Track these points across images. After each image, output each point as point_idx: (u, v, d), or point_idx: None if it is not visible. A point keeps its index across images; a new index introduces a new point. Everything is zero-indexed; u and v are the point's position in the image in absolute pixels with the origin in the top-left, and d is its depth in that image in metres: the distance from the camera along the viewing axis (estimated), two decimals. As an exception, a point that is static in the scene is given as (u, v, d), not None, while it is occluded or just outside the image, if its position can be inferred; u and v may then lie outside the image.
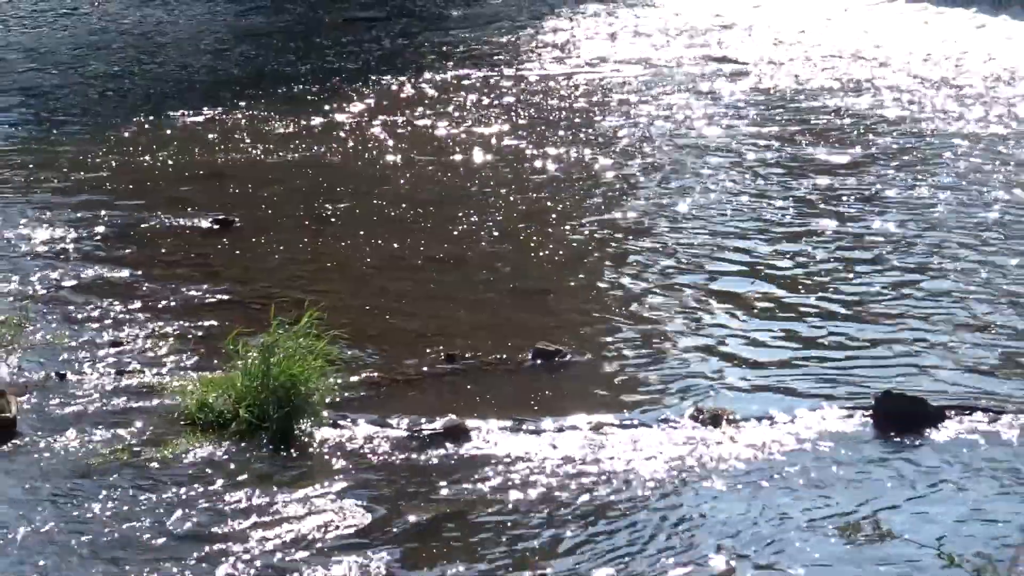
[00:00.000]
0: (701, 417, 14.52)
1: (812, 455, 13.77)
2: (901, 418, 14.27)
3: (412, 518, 12.83)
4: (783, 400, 14.99)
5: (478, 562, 12.17)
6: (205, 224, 20.69)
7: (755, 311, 17.46)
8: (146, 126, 25.10)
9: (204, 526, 12.73)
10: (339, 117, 25.46)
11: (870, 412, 14.42)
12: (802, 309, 17.42)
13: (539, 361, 15.98)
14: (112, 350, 16.44)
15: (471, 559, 12.22)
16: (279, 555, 12.26)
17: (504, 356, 16.13)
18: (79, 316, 17.44)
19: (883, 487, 13.18)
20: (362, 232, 20.23)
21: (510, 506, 13.04)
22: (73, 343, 16.67)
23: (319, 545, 12.41)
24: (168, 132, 24.85)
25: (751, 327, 17.01)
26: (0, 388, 15.13)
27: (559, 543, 12.45)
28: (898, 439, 14.07)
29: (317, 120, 25.32)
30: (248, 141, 24.51)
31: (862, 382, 15.30)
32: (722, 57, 28.71)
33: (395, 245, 19.78)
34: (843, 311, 17.35)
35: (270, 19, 34.72)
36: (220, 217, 20.87)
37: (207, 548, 12.38)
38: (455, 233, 20.10)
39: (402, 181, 22.27)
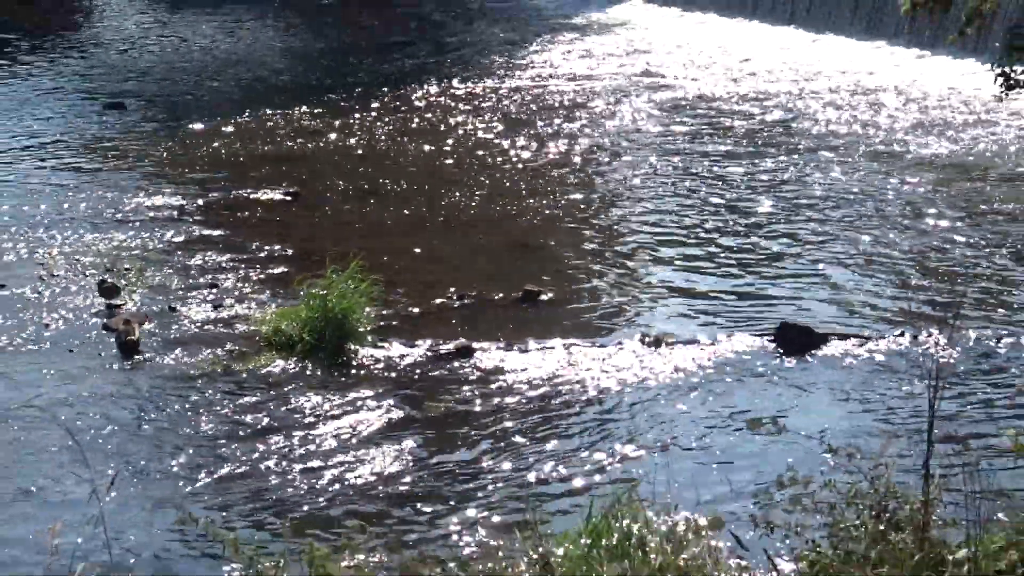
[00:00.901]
0: (646, 341, 14.64)
1: (728, 370, 13.97)
2: (794, 342, 14.38)
3: (431, 413, 13.15)
4: (707, 328, 15.10)
5: (479, 443, 12.49)
6: (278, 196, 20.71)
7: (687, 262, 17.44)
8: (231, 123, 25.00)
9: (277, 420, 13.04)
10: (372, 117, 25.38)
11: (772, 338, 14.55)
12: (721, 261, 17.45)
13: (526, 300, 16.08)
14: (210, 290, 16.58)
15: (474, 442, 12.54)
16: (333, 441, 12.56)
17: (500, 295, 16.24)
18: (185, 264, 17.56)
19: (781, 394, 13.43)
20: (393, 203, 20.29)
21: (504, 404, 13.32)
22: (181, 284, 16.81)
23: (363, 433, 12.72)
24: (248, 127, 24.78)
25: (684, 274, 17.07)
26: (127, 317, 15.37)
27: (539, 429, 12.76)
28: (792, 358, 14.19)
29: (356, 119, 25.21)
30: (306, 134, 24.47)
31: (766, 315, 15.40)
32: (655, 73, 28.59)
33: (418, 213, 19.90)
34: (752, 262, 17.41)
35: (318, 43, 34.38)
36: (290, 191, 20.90)
37: (279, 436, 12.70)
38: (462, 204, 20.13)
39: (422, 165, 22.25)
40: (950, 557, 6.62)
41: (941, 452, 7.54)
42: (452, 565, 8.85)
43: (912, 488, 7.32)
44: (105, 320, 15.48)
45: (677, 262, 17.60)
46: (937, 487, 7.11)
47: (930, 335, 14.49)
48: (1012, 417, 12.43)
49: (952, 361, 13.66)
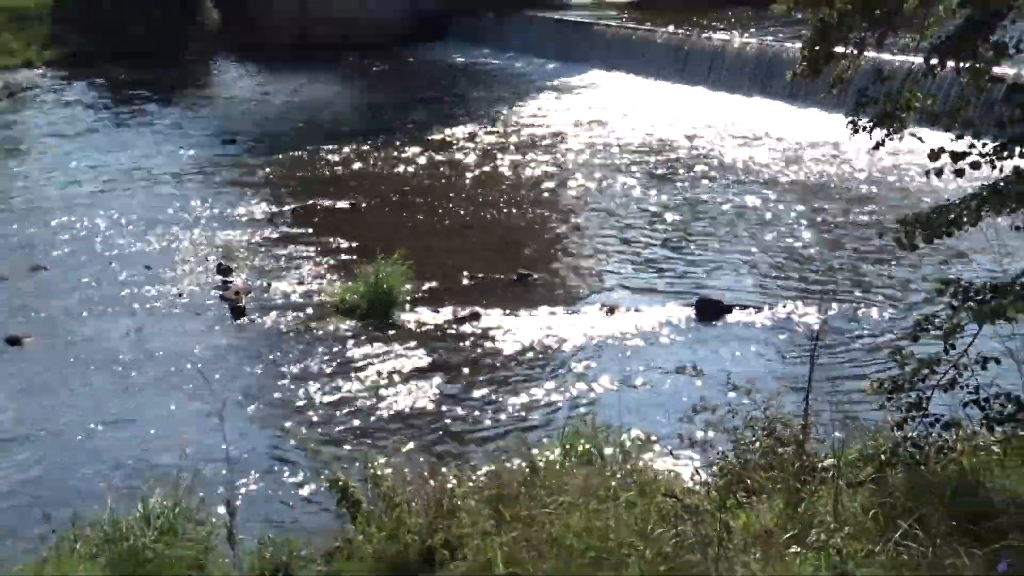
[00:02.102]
0: (605, 309, 14.68)
1: (661, 330, 13.96)
2: (709, 311, 14.38)
3: (451, 360, 13.17)
4: (649, 300, 15.09)
5: (485, 381, 12.52)
6: (343, 205, 20.66)
7: (634, 254, 17.40)
8: (309, 153, 25.07)
9: (342, 364, 13.08)
10: (408, 150, 25.44)
11: (693, 307, 14.55)
12: (658, 254, 17.41)
13: (519, 280, 16.05)
14: (295, 271, 16.59)
15: (482, 381, 12.57)
16: (381, 379, 12.61)
17: (500, 276, 16.21)
18: (277, 253, 17.52)
19: (698, 349, 13.42)
20: (423, 211, 20.26)
21: (503, 354, 13.35)
22: (274, 267, 16.79)
23: (402, 374, 12.76)
24: (321, 156, 24.82)
25: (631, 262, 17.02)
26: (237, 290, 15.38)
27: (527, 372, 12.80)
28: (707, 323, 14.20)
29: (396, 151, 25.28)
30: (361, 162, 24.50)
31: (689, 292, 15.32)
32: (612, 120, 28.66)
33: (441, 218, 19.86)
34: (679, 255, 17.29)
35: (371, 97, 34.41)
36: (351, 202, 20.83)
37: (344, 375, 12.75)
38: (473, 212, 20.10)
39: (443, 184, 22.28)
40: (820, 465, 6.64)
41: (817, 391, 7.55)
42: (465, 466, 8.92)
43: (794, 416, 7.34)
44: (221, 292, 15.50)
45: (627, 254, 17.53)
46: (812, 415, 7.14)
47: (808, 306, 14.53)
48: (868, 366, 12.43)
49: (826, 326, 13.71)
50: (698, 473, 7.43)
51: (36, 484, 10.33)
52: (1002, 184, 6.23)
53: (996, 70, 6.93)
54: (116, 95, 34.26)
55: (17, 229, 19.10)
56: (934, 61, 6.82)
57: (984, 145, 6.36)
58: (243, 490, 9.87)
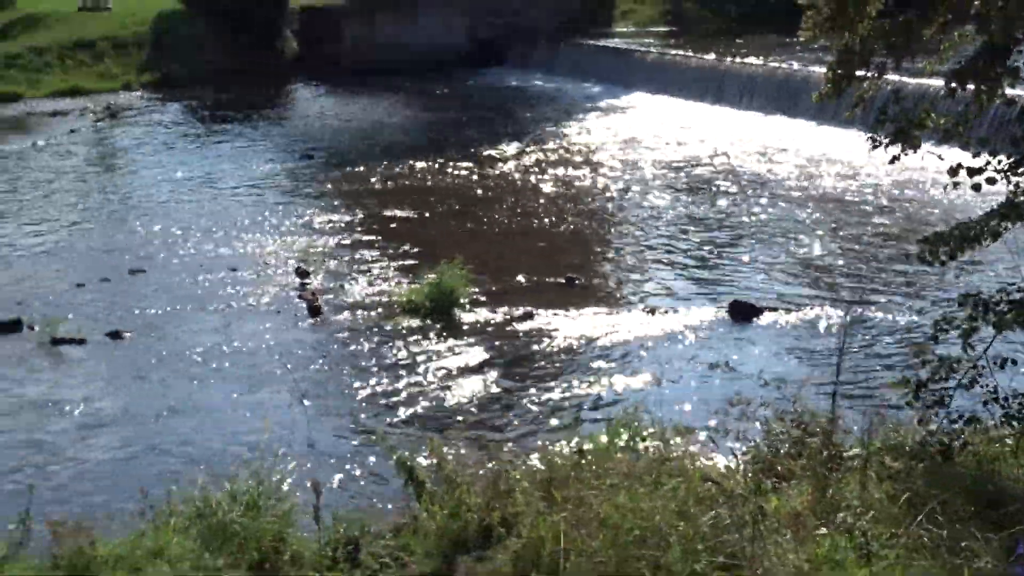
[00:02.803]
0: (646, 310, 14.64)
1: (697, 330, 13.89)
2: (741, 313, 14.30)
3: (506, 355, 13.18)
4: (686, 302, 15.02)
5: (537, 375, 12.51)
6: (410, 214, 20.73)
7: (672, 259, 17.35)
8: (378, 167, 25.17)
9: (409, 358, 13.12)
10: (467, 165, 25.48)
11: (726, 309, 14.47)
12: (694, 260, 17.35)
13: (568, 283, 16.02)
14: (366, 274, 16.62)
15: (534, 375, 12.57)
16: (441, 372, 12.64)
17: (550, 280, 16.20)
18: (349, 257, 17.59)
19: (732, 347, 13.33)
20: (482, 220, 20.33)
21: (553, 351, 13.34)
22: (347, 270, 16.86)
23: (462, 367, 12.79)
24: (389, 170, 24.93)
25: (670, 267, 16.97)
26: (313, 290, 15.48)
27: (576, 367, 12.79)
28: (740, 324, 14.11)
29: (464, 166, 25.30)
30: (428, 175, 24.57)
31: (723, 294, 15.25)
32: (651, 137, 28.57)
33: (497, 226, 19.89)
34: (715, 261, 17.26)
35: (434, 117, 34.48)
36: (416, 211, 20.86)
37: (410, 368, 12.78)
38: (527, 222, 20.11)
39: (498, 196, 22.30)
40: (846, 454, 6.60)
41: (843, 386, 7.49)
42: (519, 451, 8.91)
43: (822, 409, 7.28)
44: (299, 293, 15.60)
45: (665, 260, 17.45)
46: (839, 409, 7.09)
47: (834, 309, 14.39)
48: (891, 364, 12.30)
49: (851, 327, 13.58)
50: (734, 461, 7.38)
51: (135, 463, 10.47)
52: (1021, 199, 6.16)
53: (1009, 92, 6.86)
54: (205, 114, 34.62)
55: (118, 235, 19.36)
56: (954, 84, 6.76)
57: (999, 162, 6.30)
58: (319, 471, 9.92)
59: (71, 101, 37.22)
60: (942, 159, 6.91)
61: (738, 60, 34.30)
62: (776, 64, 32.66)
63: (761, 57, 34.32)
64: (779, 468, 6.82)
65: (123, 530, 7.56)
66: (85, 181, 24.63)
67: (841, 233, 18.61)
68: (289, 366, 12.67)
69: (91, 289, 16.03)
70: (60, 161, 26.98)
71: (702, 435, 9.21)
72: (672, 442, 8.08)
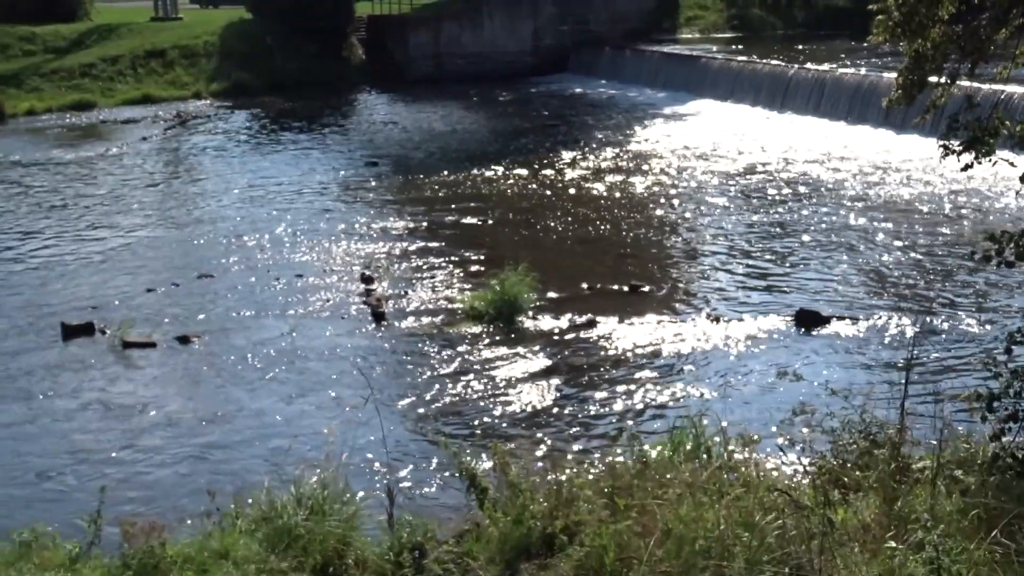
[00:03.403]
0: (710, 318, 14.52)
1: (763, 339, 13.73)
2: (807, 321, 14.13)
3: (570, 363, 13.14)
4: (751, 310, 14.87)
5: (601, 383, 12.45)
6: (474, 221, 20.83)
7: (737, 267, 17.16)
8: (443, 174, 25.32)
9: (471, 364, 13.13)
10: (531, 171, 25.48)
11: (792, 318, 14.32)
12: (759, 267, 17.15)
13: (631, 290, 15.94)
14: (429, 280, 16.68)
15: (597, 382, 12.52)
16: (504, 379, 12.64)
17: (614, 287, 16.12)
18: (414, 263, 17.66)
19: (798, 356, 13.16)
20: (546, 226, 20.31)
21: (617, 358, 13.28)
22: (411, 276, 16.92)
23: (526, 374, 12.77)
24: (453, 177, 25.03)
25: (735, 275, 16.77)
26: (378, 296, 15.57)
27: (640, 375, 12.69)
28: (807, 332, 13.93)
29: (527, 173, 25.32)
30: (492, 182, 24.62)
31: (788, 303, 15.07)
32: (714, 144, 28.32)
33: (561, 233, 19.85)
34: (780, 269, 17.04)
35: (498, 124, 34.53)
36: (482, 218, 20.98)
37: (473, 374, 12.80)
38: (589, 228, 20.06)
39: (563, 202, 22.27)
40: (914, 466, 6.49)
41: (912, 397, 7.35)
42: (582, 459, 8.88)
43: (890, 420, 7.17)
44: (364, 298, 15.70)
45: (730, 268, 17.27)
46: (907, 420, 6.97)
47: (903, 318, 14.17)
48: (961, 375, 12.06)
49: (920, 336, 13.37)
50: (800, 471, 7.29)
51: (202, 465, 10.61)
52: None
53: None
54: (272, 122, 35.04)
55: (187, 240, 19.67)
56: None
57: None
58: (383, 475, 9.98)
59: (142, 109, 37.93)
60: (1014, 165, 6.78)
61: (805, 66, 33.96)
62: (844, 70, 32.27)
63: (828, 63, 33.95)
64: (846, 479, 6.72)
65: (191, 531, 7.67)
66: (156, 187, 25.04)
67: (909, 241, 18.32)
68: (354, 371, 12.75)
69: (161, 293, 16.30)
70: (132, 168, 27.47)
71: (767, 445, 9.11)
72: (736, 451, 8.00)
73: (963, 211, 20.40)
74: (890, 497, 6.02)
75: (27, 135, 33.32)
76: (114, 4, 59.85)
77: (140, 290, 16.48)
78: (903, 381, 7.05)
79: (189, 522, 8.38)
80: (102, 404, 12.25)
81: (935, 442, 6.70)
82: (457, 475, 7.98)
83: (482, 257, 17.90)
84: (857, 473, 6.75)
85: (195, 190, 24.79)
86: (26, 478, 10.53)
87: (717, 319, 14.48)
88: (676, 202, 22.23)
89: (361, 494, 8.26)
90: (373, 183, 25.06)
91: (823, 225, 19.74)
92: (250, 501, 7.91)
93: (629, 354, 13.38)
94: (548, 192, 23.60)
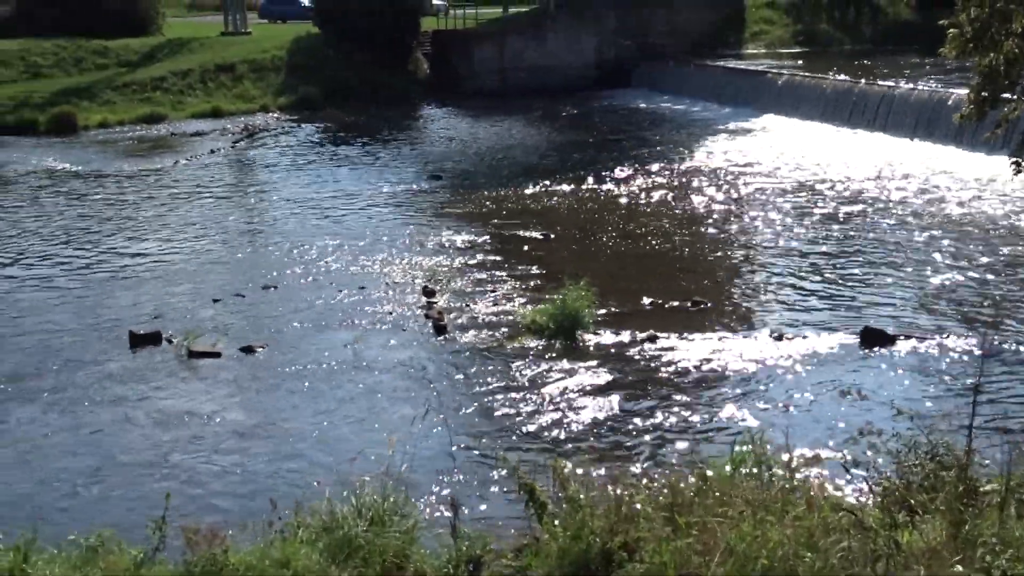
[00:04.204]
0: (773, 335, 14.38)
1: (827, 357, 13.58)
2: (874, 339, 13.96)
3: (630, 378, 13.09)
4: (815, 328, 14.69)
5: (661, 399, 12.38)
6: (536, 235, 20.79)
7: (800, 283, 16.99)
8: (505, 188, 25.34)
9: (532, 379, 13.12)
10: (593, 185, 25.43)
11: (857, 336, 14.15)
12: (825, 281, 16.94)
13: (693, 306, 15.85)
14: (491, 294, 16.72)
15: (657, 398, 12.45)
16: (564, 393, 12.61)
17: (675, 302, 16.02)
18: (475, 277, 17.70)
19: (863, 374, 13.00)
20: (607, 241, 20.26)
21: (677, 374, 13.20)
22: (473, 289, 16.98)
23: (586, 389, 12.74)
24: (515, 191, 25.07)
25: (798, 291, 16.61)
26: (439, 309, 15.63)
27: (700, 391, 12.61)
28: (872, 351, 13.75)
29: (590, 188, 25.24)
30: (555, 196, 24.61)
31: (853, 320, 14.89)
32: (779, 159, 28.02)
33: (622, 248, 19.79)
34: (844, 285, 16.80)
35: (561, 138, 34.51)
36: (544, 232, 20.95)
37: (532, 389, 12.79)
38: (653, 244, 19.99)
39: (625, 217, 22.21)
40: (982, 489, 6.36)
41: (980, 418, 7.22)
42: (642, 475, 8.82)
43: (957, 441, 7.04)
44: (425, 311, 15.77)
45: (793, 284, 17.09)
46: (975, 442, 6.84)
47: (970, 337, 13.93)
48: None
49: (989, 356, 13.14)
50: (865, 492, 7.19)
51: (264, 474, 10.72)
52: None
53: None
54: (338, 135, 35.39)
55: (252, 252, 19.93)
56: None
57: None
58: (443, 488, 10.01)
59: (211, 122, 38.51)
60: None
61: (872, 82, 33.56)
62: (911, 85, 31.84)
63: (896, 79, 33.53)
64: (911, 501, 6.61)
65: (252, 539, 7.74)
66: (223, 199, 25.40)
67: (976, 260, 17.99)
68: (415, 383, 12.82)
69: (226, 304, 16.51)
70: (200, 180, 27.89)
71: (830, 464, 9.01)
72: (799, 470, 7.90)
73: (1034, 229, 20.03)
74: (957, 520, 5.90)
75: (99, 147, 33.99)
76: (186, 19, 60.94)
77: (206, 300, 16.72)
78: (970, 402, 6.90)
79: (251, 530, 8.45)
80: (168, 412, 12.43)
81: (1004, 464, 6.56)
82: (516, 489, 7.97)
83: (543, 271, 17.90)
84: (923, 495, 6.63)
85: (261, 202, 25.12)
86: (93, 483, 10.72)
87: (780, 336, 14.33)
88: (738, 218, 22.06)
89: (420, 506, 8.29)
90: (436, 196, 25.20)
91: (888, 242, 19.47)
92: (311, 511, 7.97)
93: (690, 370, 13.30)
94: (609, 207, 23.54)
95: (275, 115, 40.14)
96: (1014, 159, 6.83)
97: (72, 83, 40.84)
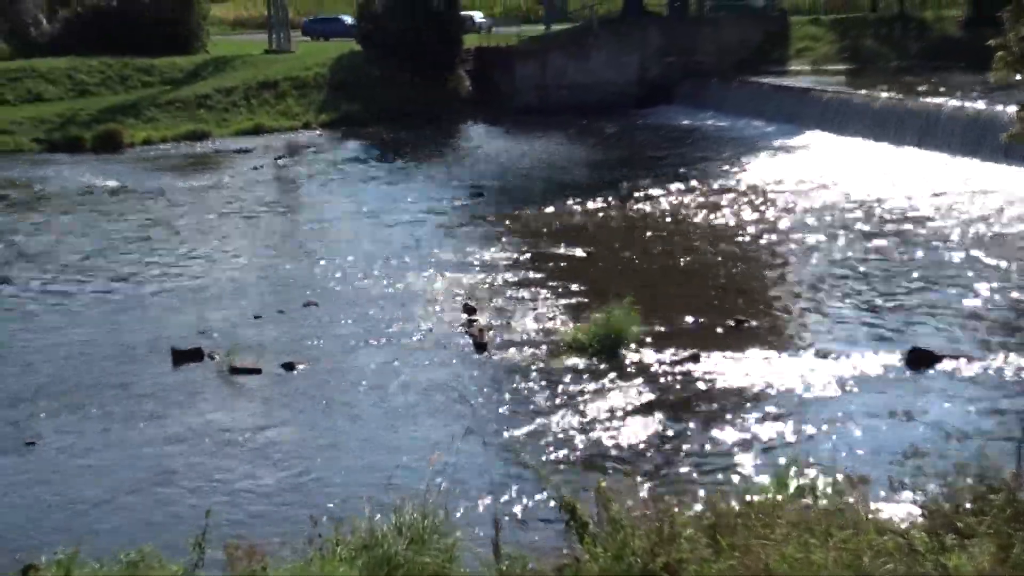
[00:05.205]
0: (818, 354, 14.23)
1: (873, 377, 13.44)
2: (921, 360, 13.79)
3: (672, 398, 13.04)
4: (860, 347, 14.53)
5: (703, 419, 12.32)
6: (578, 253, 20.76)
7: (844, 301, 16.81)
8: (547, 206, 25.34)
9: (574, 397, 13.11)
10: (637, 203, 25.34)
11: (904, 356, 13.97)
12: (869, 302, 16.71)
13: (737, 325, 15.75)
14: (532, 311, 16.71)
15: (700, 418, 12.39)
16: (606, 412, 12.58)
17: (718, 322, 15.93)
18: (517, 295, 17.71)
19: (909, 395, 12.86)
20: (650, 258, 20.22)
21: (721, 394, 13.13)
22: (514, 307, 16.93)
23: (627, 408, 12.70)
24: (557, 209, 25.08)
25: (843, 310, 16.40)
26: (480, 327, 15.65)
27: (744, 411, 12.51)
28: (919, 371, 13.61)
29: (632, 205, 25.13)
30: (597, 214, 24.62)
31: (898, 338, 14.73)
32: (822, 177, 27.82)
33: (665, 265, 19.75)
34: (890, 304, 16.64)
35: (603, 156, 34.54)
36: (585, 250, 20.92)
37: (574, 407, 12.77)
38: (695, 262, 19.91)
39: (668, 235, 22.13)
40: (1033, 513, 6.27)
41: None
42: (684, 495, 8.79)
43: (1006, 463, 6.96)
44: (466, 329, 15.80)
45: (837, 304, 16.89)
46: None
47: (1021, 358, 13.73)
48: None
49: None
50: (911, 514, 7.11)
51: (305, 491, 10.78)
52: None
53: None
54: (380, 152, 35.62)
55: (294, 269, 20.07)
56: None
57: None
58: (483, 506, 10.01)
59: (255, 139, 38.90)
60: None
61: (919, 98, 33.27)
62: (959, 103, 31.53)
63: (944, 96, 33.23)
64: (959, 525, 6.54)
65: (292, 556, 7.78)
66: (265, 216, 25.63)
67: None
68: (455, 401, 12.84)
69: (267, 320, 16.64)
70: (243, 196, 28.17)
71: (876, 486, 8.92)
72: (844, 492, 7.84)
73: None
74: (1006, 544, 5.83)
75: (143, 163, 34.44)
76: (230, 37, 61.64)
77: (247, 317, 16.86)
78: (1020, 425, 6.82)
79: (290, 547, 8.49)
80: (210, 428, 12.54)
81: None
82: (557, 508, 7.95)
83: (585, 289, 17.87)
84: (971, 518, 6.56)
85: (302, 219, 25.32)
86: (134, 498, 10.83)
87: (825, 356, 14.21)
88: (782, 236, 21.90)
89: (461, 524, 8.29)
90: (478, 213, 25.27)
91: (935, 261, 19.27)
92: (351, 528, 7.99)
93: (733, 390, 13.22)
94: (651, 224, 23.48)
95: (317, 132, 40.50)
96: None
97: (118, 101, 41.43)
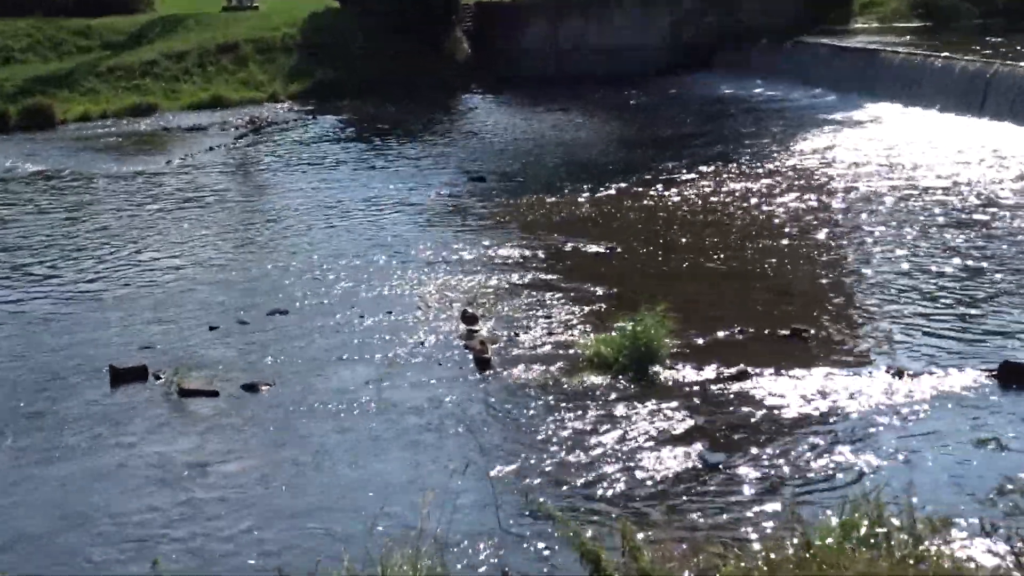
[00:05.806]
0: (891, 371, 14.15)
1: (957, 398, 13.36)
2: (1015, 377, 13.66)
3: (716, 423, 12.98)
4: (943, 362, 14.40)
5: (752, 449, 12.25)
6: (599, 249, 20.65)
7: (921, 307, 16.74)
8: (561, 193, 25.27)
9: (595, 423, 13.05)
10: (666, 189, 25.31)
11: (994, 372, 13.85)
12: (955, 306, 16.63)
13: (792, 336, 15.64)
14: (545, 320, 16.64)
15: (748, 448, 12.31)
16: (635, 441, 12.53)
17: (769, 331, 15.86)
18: (526, 300, 17.64)
19: (1001, 420, 12.77)
20: (685, 256, 20.12)
21: (773, 419, 13.06)
22: (523, 315, 16.90)
23: (660, 436, 12.65)
24: (573, 196, 25.01)
25: (919, 317, 16.34)
26: (482, 339, 15.60)
27: (801, 440, 12.44)
28: (1013, 390, 13.48)
29: (664, 192, 25.04)
30: (622, 203, 24.50)
31: (988, 354, 14.59)
32: (894, 157, 27.72)
33: (703, 264, 19.63)
34: (976, 310, 16.52)
35: (626, 133, 34.57)
36: (609, 245, 20.79)
37: (595, 436, 12.71)
38: (743, 260, 19.77)
39: (706, 227, 22.05)
40: None
41: None
42: (731, 541, 8.75)
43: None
44: (465, 341, 15.76)
45: (915, 310, 16.82)
46: None
47: None
48: None
49: None
50: (1006, 563, 7.05)
51: (270, 538, 10.71)
52: None
53: None
54: (361, 129, 35.65)
55: (258, 271, 20.04)
56: None
57: None
58: (487, 554, 9.95)
59: (210, 114, 38.99)
60: None
61: (1009, 62, 33.19)
62: (1059, 67, 31.48)
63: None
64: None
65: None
66: (223, 207, 25.67)
67: None
68: (453, 429, 12.79)
69: (225, 332, 16.59)
70: (195, 183, 28.22)
71: (964, 529, 8.93)
72: (924, 537, 7.81)
73: None
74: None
75: (78, 144, 34.52)
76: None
77: (201, 328, 16.80)
78: None
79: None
80: (153, 462, 12.47)
81: None
82: (578, 559, 7.92)
83: (609, 293, 17.82)
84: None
85: (268, 210, 25.30)
86: (67, 547, 10.76)
87: (899, 373, 14.12)
88: (846, 229, 21.83)
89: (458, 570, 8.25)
90: (478, 203, 25.30)
91: (1017, 256, 19.20)
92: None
93: (789, 414, 13.15)
94: (686, 215, 23.44)
95: (286, 105, 40.56)
96: None
97: (49, 70, 41.50)
